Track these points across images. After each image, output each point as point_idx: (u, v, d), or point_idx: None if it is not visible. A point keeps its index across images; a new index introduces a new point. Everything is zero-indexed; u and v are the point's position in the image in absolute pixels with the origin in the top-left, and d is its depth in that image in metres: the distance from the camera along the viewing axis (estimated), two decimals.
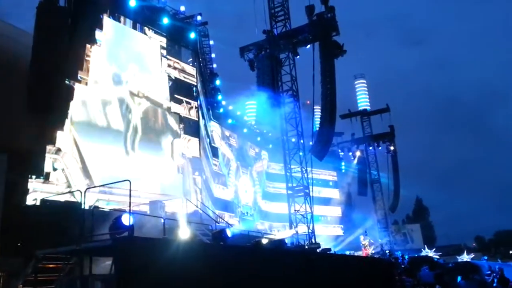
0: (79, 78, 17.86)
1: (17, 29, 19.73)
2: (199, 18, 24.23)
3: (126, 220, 7.89)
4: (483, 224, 75.63)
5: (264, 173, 35.49)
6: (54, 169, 15.98)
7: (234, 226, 23.57)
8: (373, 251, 33.71)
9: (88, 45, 18.63)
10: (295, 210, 23.56)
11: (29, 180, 15.16)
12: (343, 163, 45.60)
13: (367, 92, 47.76)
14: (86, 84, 18.15)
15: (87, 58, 18.49)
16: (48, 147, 15.98)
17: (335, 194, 42.88)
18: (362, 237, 33.86)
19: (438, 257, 38.99)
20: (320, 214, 36.41)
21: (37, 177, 15.43)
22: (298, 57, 24.58)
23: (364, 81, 48.68)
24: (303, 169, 24.03)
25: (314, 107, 31.46)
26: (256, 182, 33.66)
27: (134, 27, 21.41)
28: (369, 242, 34.48)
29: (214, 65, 26.76)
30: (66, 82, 17.25)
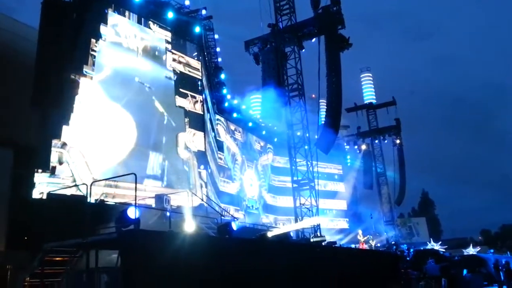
0: (84, 72, 17.90)
1: (22, 25, 19.83)
2: (204, 12, 24.12)
3: (131, 213, 7.93)
4: (489, 218, 75.29)
5: (270, 166, 35.51)
6: (60, 163, 16.08)
7: (240, 219, 23.66)
8: (378, 244, 33.73)
9: (93, 40, 18.65)
10: (300, 204, 23.58)
11: (35, 174, 15.27)
12: (348, 157, 45.52)
13: (373, 86, 47.57)
14: (91, 78, 18.19)
15: (92, 53, 18.52)
16: (54, 141, 16.08)
17: (340, 187, 42.84)
18: (360, 231, 33.94)
19: (444, 250, 38.93)
20: (325, 207, 36.43)
21: (43, 171, 15.54)
22: (303, 50, 24.47)
23: (370, 75, 48.45)
24: (309, 163, 24.02)
25: (320, 100, 31.35)
26: (261, 176, 33.70)
27: (139, 22, 21.37)
28: (373, 236, 34.52)
29: (219, 59, 26.72)
30: (72, 76, 17.30)
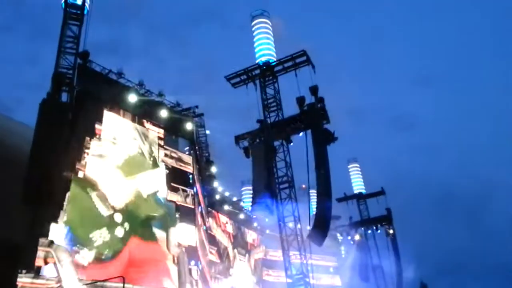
0: (76, 169, 18.16)
1: (17, 123, 20.56)
2: (196, 110, 25.33)
3: None
4: None
5: (263, 260, 34.49)
6: (46, 263, 15.58)
7: None
8: None
9: (87, 138, 19.22)
10: None
11: (19, 275, 14.72)
12: (342, 248, 44.58)
13: (361, 176, 48.21)
14: (84, 175, 18.40)
15: (85, 150, 18.96)
16: (41, 240, 15.74)
17: (336, 281, 41.28)
18: None
19: None
20: None
21: (27, 271, 15.00)
22: (291, 144, 25.27)
23: (357, 165, 49.34)
24: (302, 256, 23.46)
25: (310, 191, 31.60)
26: (254, 270, 32.57)
27: (133, 120, 22.24)
28: None
29: (210, 153, 27.42)
30: (64, 174, 17.50)
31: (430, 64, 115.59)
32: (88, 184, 18.36)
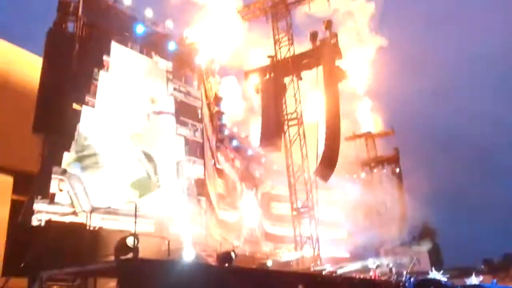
0: (86, 100, 18.16)
1: (25, 53, 20.27)
2: (205, 43, 24.69)
3: (131, 241, 7.96)
4: (491, 246, 74.23)
5: (269, 194, 35.40)
6: (60, 190, 16.09)
7: (239, 247, 23.48)
8: (379, 274, 33.16)
9: (95, 69, 19.01)
10: (300, 232, 23.45)
11: (35, 201, 15.28)
12: (348, 185, 45.43)
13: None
14: (94, 106, 18.43)
15: (94, 82, 18.83)
16: (54, 168, 16.15)
17: (340, 216, 42.54)
18: (371, 260, 33.22)
19: (446, 279, 38.25)
20: (325, 236, 36.04)
21: (43, 197, 15.54)
22: (302, 80, 24.87)
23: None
24: (308, 191, 24.02)
25: (319, 128, 31.67)
26: (260, 204, 33.56)
27: (141, 52, 21.82)
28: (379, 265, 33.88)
29: (219, 88, 27.15)
30: (74, 104, 17.54)
31: (444, 5, 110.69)
32: None
